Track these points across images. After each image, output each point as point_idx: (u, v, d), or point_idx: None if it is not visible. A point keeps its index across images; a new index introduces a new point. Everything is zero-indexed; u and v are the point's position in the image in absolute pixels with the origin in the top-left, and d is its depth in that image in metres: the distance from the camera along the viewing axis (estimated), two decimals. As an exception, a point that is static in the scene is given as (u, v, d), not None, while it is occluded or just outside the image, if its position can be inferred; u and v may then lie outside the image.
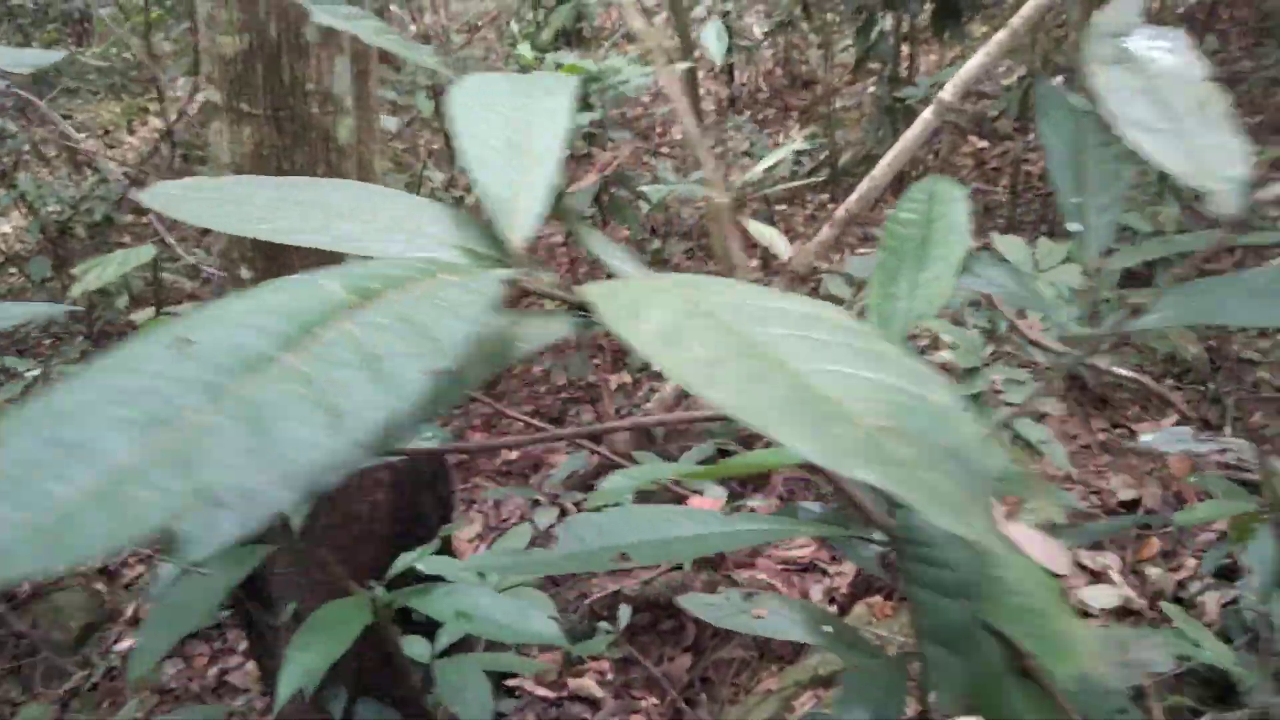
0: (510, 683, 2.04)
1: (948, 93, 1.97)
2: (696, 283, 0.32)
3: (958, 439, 0.25)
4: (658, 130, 5.99)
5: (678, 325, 0.28)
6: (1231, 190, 0.45)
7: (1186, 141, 0.48)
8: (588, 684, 2.09)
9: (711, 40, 2.54)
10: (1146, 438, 1.67)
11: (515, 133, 0.44)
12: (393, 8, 6.09)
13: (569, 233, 3.51)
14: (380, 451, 0.42)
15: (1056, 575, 0.60)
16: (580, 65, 2.18)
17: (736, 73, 6.10)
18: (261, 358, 0.25)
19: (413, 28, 8.12)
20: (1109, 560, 2.26)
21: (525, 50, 2.87)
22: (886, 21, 3.97)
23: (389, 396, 0.25)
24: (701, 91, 6.75)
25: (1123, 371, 2.40)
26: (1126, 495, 2.38)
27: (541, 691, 2.08)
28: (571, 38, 4.06)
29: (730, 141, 5.22)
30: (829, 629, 0.96)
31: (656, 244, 3.36)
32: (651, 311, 0.29)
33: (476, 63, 4.21)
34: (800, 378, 0.26)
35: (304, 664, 1.08)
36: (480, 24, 7.22)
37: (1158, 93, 0.50)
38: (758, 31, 6.36)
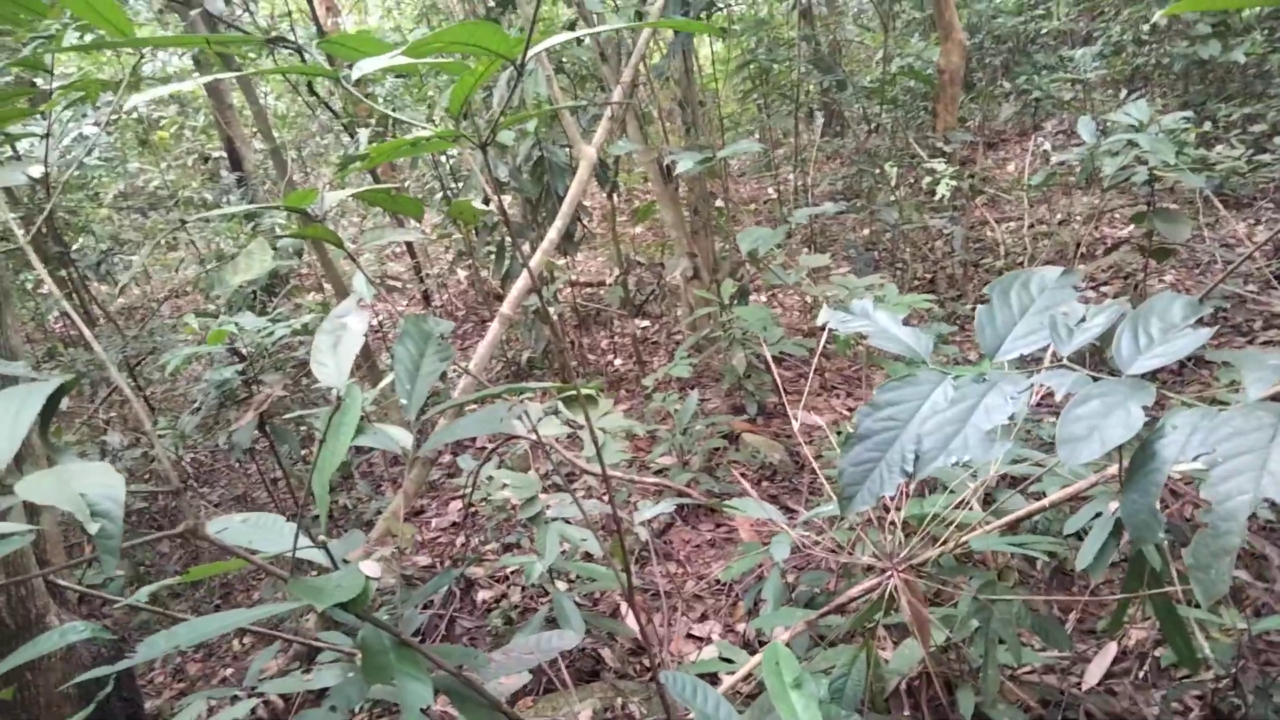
0: None
1: (506, 307, 2.73)
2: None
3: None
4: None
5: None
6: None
7: (334, 366, 1.11)
8: None
9: (360, 286, 3.22)
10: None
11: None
12: (95, 283, 6.38)
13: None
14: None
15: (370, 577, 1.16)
16: (224, 330, 2.75)
17: (433, 296, 6.94)
18: None
19: (121, 300, 8.33)
20: (711, 628, 2.91)
21: (191, 319, 3.38)
22: (526, 247, 4.92)
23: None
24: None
25: (675, 486, 3.11)
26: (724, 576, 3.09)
27: None
28: (269, 289, 4.63)
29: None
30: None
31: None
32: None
33: (165, 329, 4.63)
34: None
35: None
36: (187, 290, 7.59)
37: (335, 343, 1.14)
38: (447, 259, 7.29)
